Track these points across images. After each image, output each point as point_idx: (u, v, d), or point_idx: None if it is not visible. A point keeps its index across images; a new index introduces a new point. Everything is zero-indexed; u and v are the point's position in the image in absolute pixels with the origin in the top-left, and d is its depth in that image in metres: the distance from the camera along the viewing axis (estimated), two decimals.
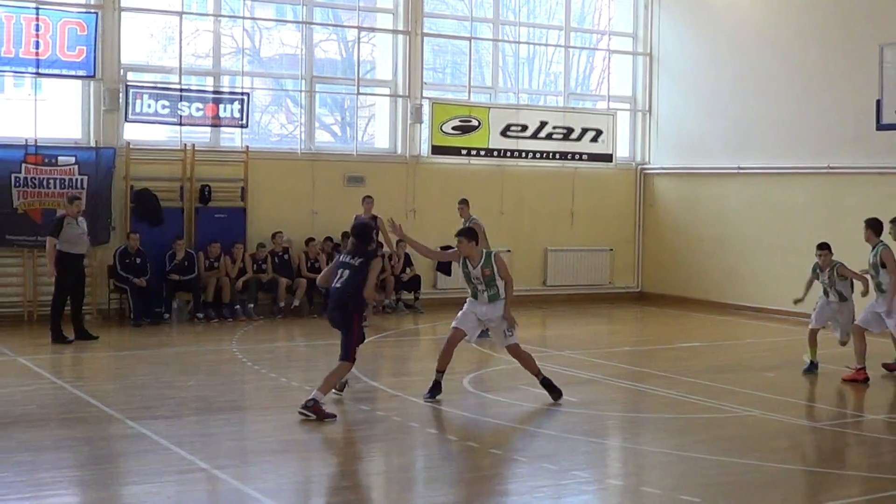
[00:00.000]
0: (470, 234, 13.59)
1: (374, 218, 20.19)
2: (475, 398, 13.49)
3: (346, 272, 12.35)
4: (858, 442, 11.89)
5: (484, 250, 13.57)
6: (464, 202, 18.94)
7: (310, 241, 21.39)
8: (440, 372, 13.31)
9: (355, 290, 12.26)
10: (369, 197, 20.45)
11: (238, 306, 20.37)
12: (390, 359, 17.24)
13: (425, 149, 23.29)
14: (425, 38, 23.53)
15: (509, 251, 23.58)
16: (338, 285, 12.38)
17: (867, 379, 14.69)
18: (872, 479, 10.23)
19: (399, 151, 23.21)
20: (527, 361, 13.38)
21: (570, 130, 24.61)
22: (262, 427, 12.09)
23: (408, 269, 22.01)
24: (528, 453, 10.90)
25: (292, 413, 12.18)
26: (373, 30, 23.82)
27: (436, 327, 20.15)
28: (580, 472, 10.31)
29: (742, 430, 12.36)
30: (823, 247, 15.68)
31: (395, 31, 23.26)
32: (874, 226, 15.16)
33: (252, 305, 20.55)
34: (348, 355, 12.39)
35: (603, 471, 10.77)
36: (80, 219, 17.48)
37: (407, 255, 21.93)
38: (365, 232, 12.84)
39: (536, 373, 13.34)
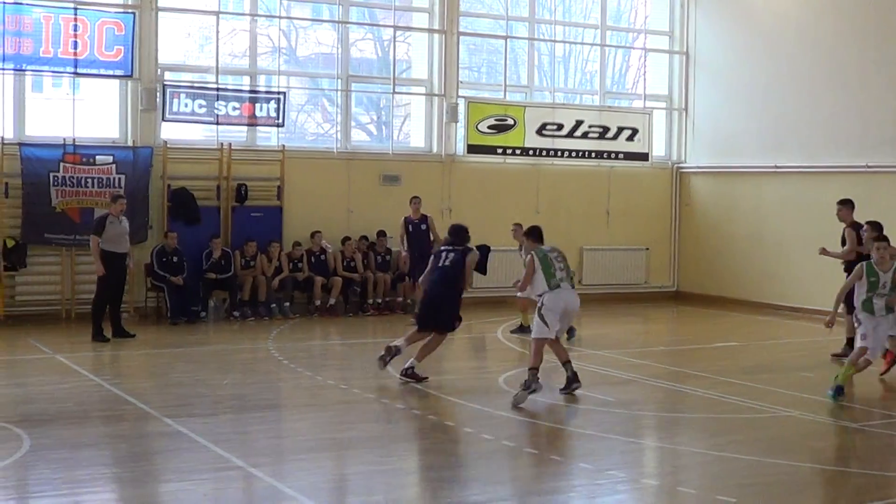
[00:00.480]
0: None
1: (425, 217, 20.29)
2: (510, 397, 13.45)
3: (452, 255, 14.56)
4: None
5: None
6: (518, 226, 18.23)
7: (346, 240, 21.42)
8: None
9: (459, 272, 14.47)
10: (417, 198, 20.48)
11: (274, 305, 20.43)
12: (426, 358, 17.19)
13: (461, 148, 23.28)
14: (461, 37, 23.52)
15: None
16: (447, 263, 14.51)
17: None
18: None
19: (434, 150, 23.22)
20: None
21: (606, 129, 24.54)
22: (297, 425, 12.14)
23: None
24: (565, 452, 10.89)
25: (328, 411, 12.19)
26: (409, 29, 23.84)
27: (471, 326, 20.14)
28: (616, 472, 10.28)
29: (779, 430, 12.29)
30: (882, 237, 14.15)
31: (430, 31, 23.27)
32: None
33: (288, 304, 20.62)
34: (449, 327, 14.51)
35: (639, 470, 10.73)
36: (123, 217, 17.60)
37: None
38: (460, 233, 15.00)
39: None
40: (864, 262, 13.95)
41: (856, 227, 16.72)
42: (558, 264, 13.84)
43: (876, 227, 15.65)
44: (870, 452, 11.56)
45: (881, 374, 14.81)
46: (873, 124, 21.30)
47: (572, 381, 13.57)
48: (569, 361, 13.70)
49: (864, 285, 13.71)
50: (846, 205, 17.11)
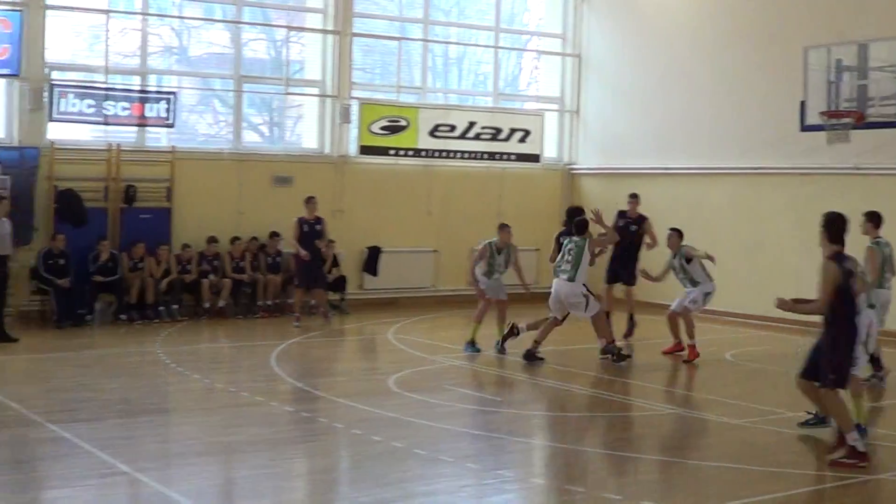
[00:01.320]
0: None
1: (319, 219, 20.12)
2: (400, 398, 13.49)
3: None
4: (776, 440, 11.99)
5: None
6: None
7: (235, 240, 21.24)
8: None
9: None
10: (312, 198, 20.23)
11: (162, 307, 20.18)
12: (316, 360, 17.17)
13: (353, 149, 23.23)
14: (354, 38, 23.47)
15: (436, 251, 23.68)
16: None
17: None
18: (788, 476, 10.35)
19: (327, 151, 23.13)
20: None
21: (499, 131, 24.68)
22: (185, 429, 12.02)
23: (334, 270, 21.93)
24: (453, 453, 10.91)
25: (217, 415, 12.10)
26: (302, 29, 23.74)
27: (362, 328, 20.15)
28: (504, 472, 10.35)
29: (664, 427, 12.48)
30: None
31: (324, 31, 23.18)
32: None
33: (176, 307, 20.37)
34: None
35: (527, 470, 10.83)
36: (5, 220, 17.25)
37: (335, 256, 21.86)
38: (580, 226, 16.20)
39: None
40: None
41: None
42: (567, 256, 15.83)
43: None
44: (753, 448, 11.73)
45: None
46: (760, 127, 21.71)
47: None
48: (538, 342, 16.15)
49: None
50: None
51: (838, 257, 10.53)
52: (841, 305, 10.51)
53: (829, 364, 10.59)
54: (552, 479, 10.45)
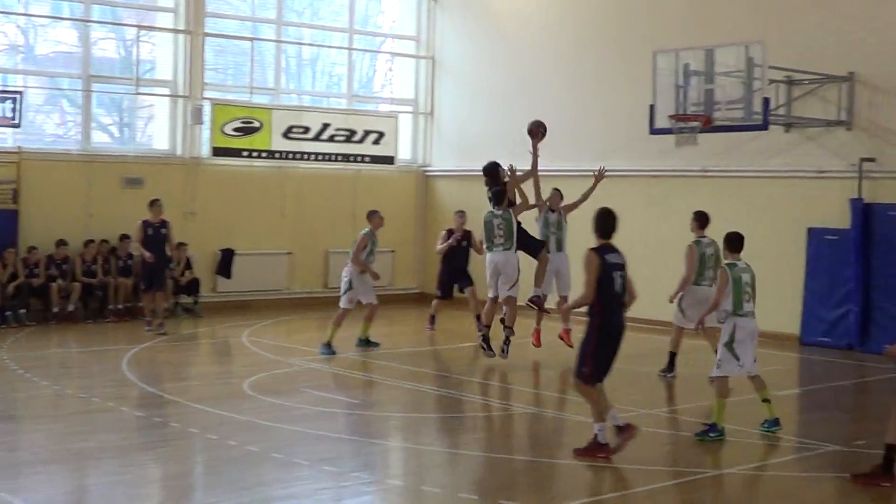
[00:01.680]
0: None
1: (165, 222, 19.72)
2: (255, 402, 13.37)
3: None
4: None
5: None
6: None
7: (89, 243, 20.81)
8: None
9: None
10: (157, 200, 19.71)
11: (9, 312, 19.65)
12: (168, 364, 16.89)
13: (206, 150, 22.95)
14: (207, 38, 23.18)
15: (290, 254, 23.54)
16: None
17: None
18: (642, 472, 10.54)
19: (179, 153, 22.80)
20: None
21: (353, 132, 24.65)
22: (33, 437, 11.72)
23: (186, 272, 21.64)
24: (310, 456, 10.85)
25: (66, 421, 11.84)
26: (152, 28, 23.36)
27: (215, 331, 19.92)
28: (361, 474, 10.33)
29: (521, 427, 12.59)
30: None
31: (175, 31, 22.85)
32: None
33: (24, 311, 19.86)
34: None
35: (384, 471, 10.82)
36: None
37: (188, 259, 21.58)
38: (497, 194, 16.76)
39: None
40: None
41: None
42: (498, 231, 16.35)
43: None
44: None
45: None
46: (611, 129, 22.09)
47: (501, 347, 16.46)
48: (488, 327, 16.63)
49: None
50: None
51: (601, 249, 10.77)
52: (598, 298, 10.67)
53: (581, 356, 10.83)
54: (410, 481, 10.47)
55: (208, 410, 12.80)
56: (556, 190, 18.00)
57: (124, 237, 21.00)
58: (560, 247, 17.61)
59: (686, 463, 10.97)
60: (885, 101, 18.60)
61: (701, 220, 15.45)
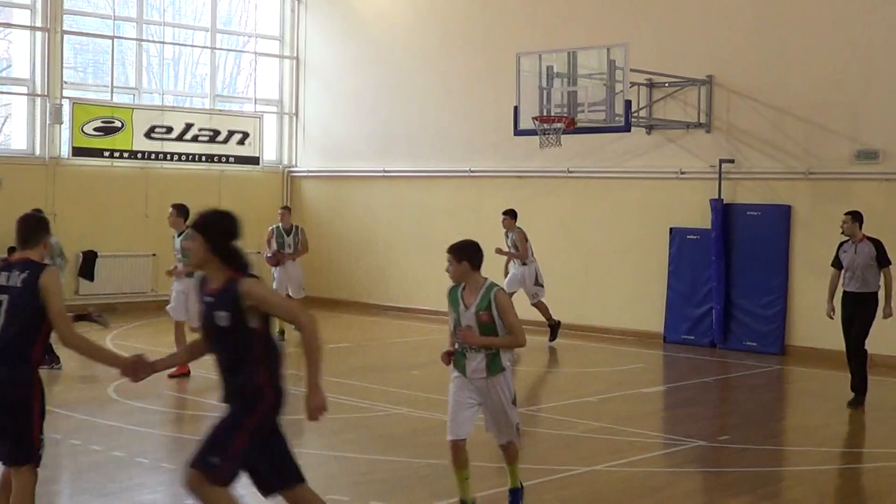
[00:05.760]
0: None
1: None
2: (120, 406, 13.13)
3: None
4: None
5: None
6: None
7: None
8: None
9: None
10: None
11: None
12: None
13: (66, 150, 22.48)
14: (65, 36, 22.70)
15: (154, 255, 23.15)
16: None
17: None
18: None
19: (38, 153, 22.28)
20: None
21: (217, 133, 24.39)
22: None
23: None
24: (176, 460, 10.68)
25: None
26: (8, 25, 22.80)
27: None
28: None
29: (391, 428, 12.60)
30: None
31: (32, 28, 22.32)
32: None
33: None
34: None
35: None
36: None
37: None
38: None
39: None
40: None
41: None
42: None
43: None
44: (475, 445, 11.97)
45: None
46: (477, 131, 22.23)
47: None
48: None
49: None
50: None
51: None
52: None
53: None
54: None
55: (71, 415, 12.53)
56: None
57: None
58: None
59: (554, 461, 11.06)
60: (743, 104, 19.06)
61: (512, 215, 19.08)
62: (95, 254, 22.31)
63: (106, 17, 24.15)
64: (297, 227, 19.69)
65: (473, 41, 22.58)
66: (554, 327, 19.04)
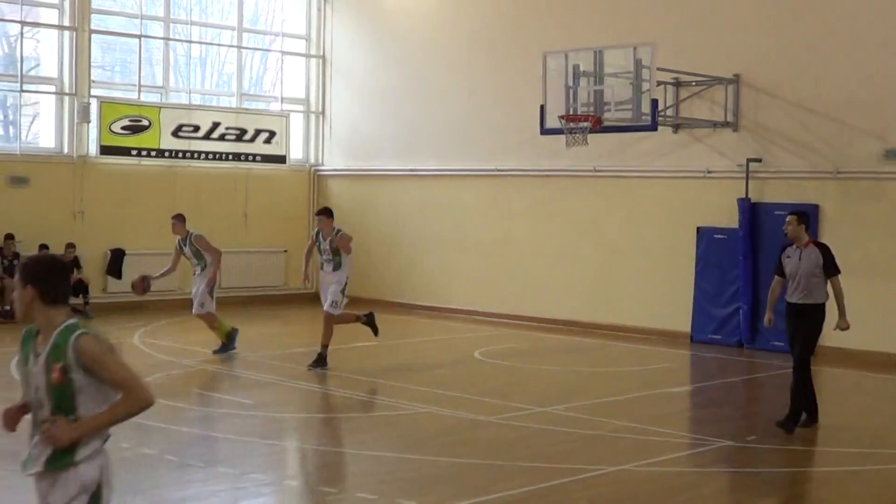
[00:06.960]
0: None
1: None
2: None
3: None
4: (525, 435, 12.28)
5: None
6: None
7: None
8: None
9: None
10: None
11: None
12: None
13: (94, 149, 22.59)
14: (93, 35, 22.81)
15: None
16: None
17: None
18: (540, 469, 10.61)
19: (66, 151, 22.40)
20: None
21: (244, 131, 24.46)
22: None
23: (76, 271, 21.24)
24: (205, 458, 10.74)
25: None
26: (36, 25, 22.92)
27: (106, 332, 19.54)
28: (258, 475, 10.25)
29: (417, 426, 12.60)
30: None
31: (60, 27, 22.44)
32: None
33: None
34: None
35: (281, 472, 10.75)
36: None
37: (76, 258, 21.18)
38: None
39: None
40: None
41: None
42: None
43: None
44: (499, 444, 11.99)
45: None
46: (503, 129, 22.21)
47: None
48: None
49: None
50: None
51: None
52: None
53: None
54: (307, 481, 10.42)
55: None
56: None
57: (8, 237, 20.59)
58: None
59: (581, 460, 11.06)
60: (771, 103, 18.98)
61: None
62: (123, 252, 22.39)
63: (133, 16, 24.24)
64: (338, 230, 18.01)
65: (500, 40, 22.56)
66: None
